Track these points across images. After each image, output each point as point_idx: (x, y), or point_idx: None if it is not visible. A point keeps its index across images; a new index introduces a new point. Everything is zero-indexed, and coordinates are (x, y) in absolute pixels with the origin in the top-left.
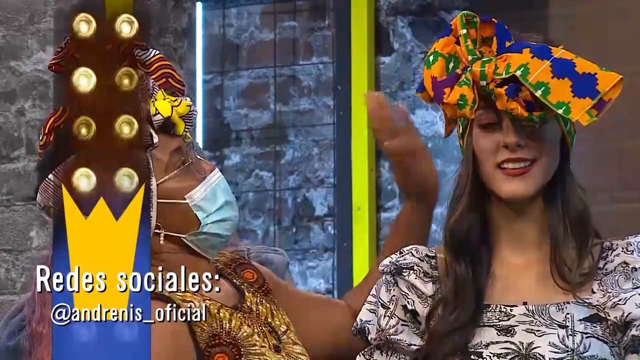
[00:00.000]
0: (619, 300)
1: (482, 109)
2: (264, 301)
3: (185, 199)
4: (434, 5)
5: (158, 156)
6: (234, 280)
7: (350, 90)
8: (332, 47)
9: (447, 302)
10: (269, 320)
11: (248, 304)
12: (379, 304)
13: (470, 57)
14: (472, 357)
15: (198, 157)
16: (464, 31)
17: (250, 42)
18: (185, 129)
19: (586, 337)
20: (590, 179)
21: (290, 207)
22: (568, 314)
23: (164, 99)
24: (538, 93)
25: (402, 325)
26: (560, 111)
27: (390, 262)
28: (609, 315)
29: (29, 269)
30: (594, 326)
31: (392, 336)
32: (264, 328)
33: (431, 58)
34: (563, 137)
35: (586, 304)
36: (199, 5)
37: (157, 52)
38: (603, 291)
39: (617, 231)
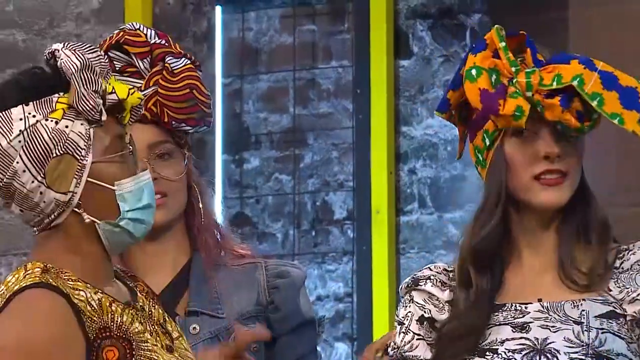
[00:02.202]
0: (637, 295)
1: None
2: (156, 306)
3: (114, 186)
4: (453, 9)
5: (100, 135)
6: (127, 282)
7: (370, 94)
8: (351, 51)
9: (460, 307)
10: (162, 322)
11: (140, 303)
12: (396, 321)
13: (513, 69)
14: (487, 354)
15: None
16: (503, 44)
17: (270, 45)
18: (130, 121)
19: (602, 333)
20: (611, 181)
21: (310, 210)
22: (583, 310)
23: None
24: (594, 103)
25: (417, 339)
26: (615, 121)
27: (409, 278)
28: (626, 311)
29: None
30: (610, 322)
31: (406, 353)
32: (157, 328)
33: (474, 72)
34: None
35: (602, 301)
36: (218, 9)
37: (189, 62)
38: (620, 288)
39: (635, 234)
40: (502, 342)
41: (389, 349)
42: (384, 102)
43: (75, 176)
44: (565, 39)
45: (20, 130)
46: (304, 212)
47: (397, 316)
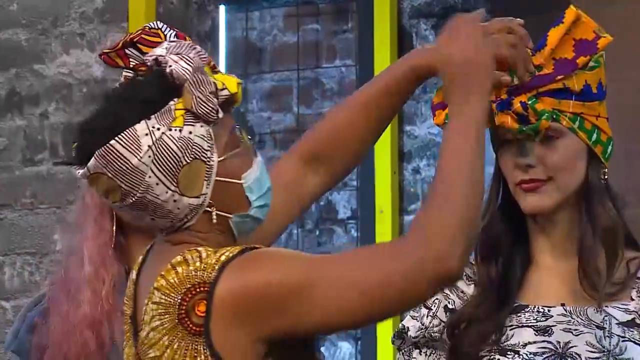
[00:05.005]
0: None
1: (503, 127)
2: None
3: (241, 179)
4: (457, 8)
5: (218, 133)
6: None
7: None
8: (355, 50)
9: (471, 300)
10: None
11: None
12: (421, 306)
13: None
14: (509, 354)
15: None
16: None
17: (273, 45)
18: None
19: (623, 341)
20: (621, 181)
21: (314, 209)
22: (606, 316)
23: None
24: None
25: (443, 326)
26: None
27: None
28: None
29: (52, 271)
30: (632, 331)
31: (435, 334)
32: None
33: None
34: (590, 150)
35: (624, 309)
36: (222, 8)
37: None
38: None
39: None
40: (525, 345)
41: (414, 331)
42: None
43: (205, 178)
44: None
45: (148, 146)
46: (308, 211)
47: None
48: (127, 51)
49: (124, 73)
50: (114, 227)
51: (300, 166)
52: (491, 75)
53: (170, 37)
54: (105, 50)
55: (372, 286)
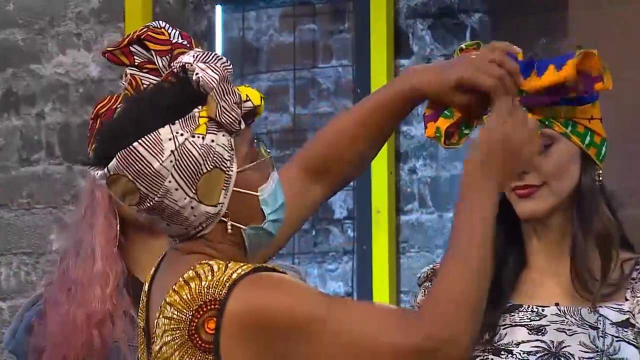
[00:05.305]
0: None
1: None
2: None
3: (257, 192)
4: (453, 8)
5: (238, 144)
6: None
7: (370, 93)
8: (351, 50)
9: None
10: None
11: None
12: (416, 307)
13: None
14: (502, 353)
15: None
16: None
17: (270, 45)
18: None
19: (617, 341)
20: (621, 181)
21: None
22: (600, 316)
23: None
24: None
25: None
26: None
27: (428, 268)
28: (637, 322)
29: (49, 272)
30: (625, 331)
31: None
32: None
33: None
34: (584, 152)
35: (618, 309)
36: (218, 8)
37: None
38: (635, 298)
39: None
40: (518, 344)
41: None
42: None
43: (224, 188)
44: (565, 39)
45: (171, 151)
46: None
47: (417, 303)
48: (132, 49)
49: (127, 71)
50: (118, 226)
51: (302, 176)
52: (519, 165)
53: (173, 36)
54: (109, 48)
55: (377, 354)
